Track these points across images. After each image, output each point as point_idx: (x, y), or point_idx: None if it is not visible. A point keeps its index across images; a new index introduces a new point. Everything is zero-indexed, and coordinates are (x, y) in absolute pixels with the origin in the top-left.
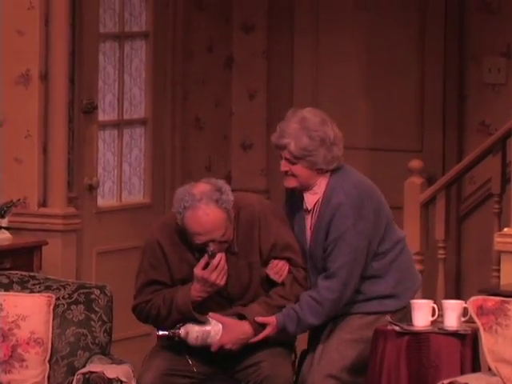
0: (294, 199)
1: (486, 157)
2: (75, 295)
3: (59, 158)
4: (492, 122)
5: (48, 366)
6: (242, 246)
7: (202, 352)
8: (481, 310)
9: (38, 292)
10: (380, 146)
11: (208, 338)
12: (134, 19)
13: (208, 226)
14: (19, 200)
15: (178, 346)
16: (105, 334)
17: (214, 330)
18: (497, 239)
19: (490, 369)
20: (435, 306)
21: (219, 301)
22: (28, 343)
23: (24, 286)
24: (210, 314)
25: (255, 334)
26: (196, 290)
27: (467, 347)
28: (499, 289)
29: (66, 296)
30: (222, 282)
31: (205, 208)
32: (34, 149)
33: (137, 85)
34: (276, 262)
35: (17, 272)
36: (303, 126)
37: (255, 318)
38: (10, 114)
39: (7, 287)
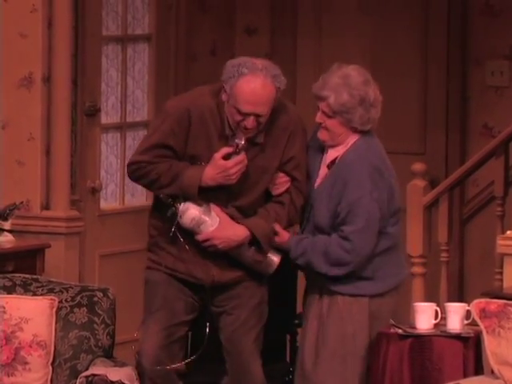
0: (317, 142)
1: (488, 159)
2: (78, 298)
3: (62, 161)
4: (495, 124)
5: (51, 368)
6: (268, 143)
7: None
8: (484, 313)
9: (41, 295)
10: None
11: (202, 225)
12: (137, 22)
13: (261, 97)
14: (22, 203)
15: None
16: (107, 337)
17: (211, 220)
18: (500, 242)
19: (492, 371)
20: (438, 308)
21: (219, 194)
22: (31, 346)
23: (27, 288)
24: (212, 204)
25: (248, 243)
26: (207, 176)
27: (470, 350)
28: (502, 291)
29: (69, 299)
30: (236, 179)
31: (264, 79)
32: (37, 151)
33: (140, 87)
34: (281, 175)
35: (20, 275)
36: (345, 82)
37: (274, 225)
38: (12, 116)
39: (10, 290)
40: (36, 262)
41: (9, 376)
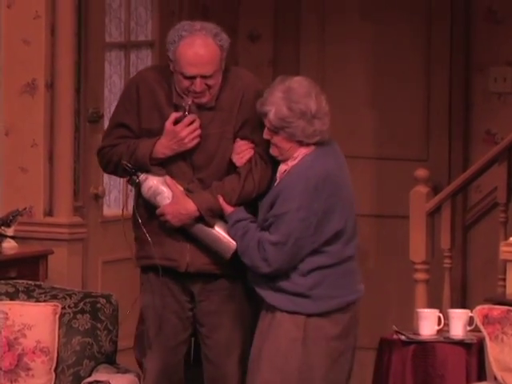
0: None
1: (491, 166)
2: (81, 304)
3: (65, 167)
4: (498, 131)
5: (54, 375)
6: (221, 107)
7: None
8: (487, 319)
9: (44, 301)
10: (386, 155)
11: (158, 196)
12: (140, 28)
13: (203, 56)
14: (25, 209)
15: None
16: (110, 343)
17: (168, 192)
18: (502, 248)
19: (495, 378)
20: (441, 315)
21: (183, 167)
22: (34, 352)
23: (30, 295)
24: (167, 177)
25: (199, 216)
26: (161, 145)
27: (473, 356)
28: (505, 298)
29: (72, 305)
30: (190, 143)
31: (204, 38)
32: (40, 158)
33: None
34: (242, 142)
35: (23, 281)
36: (286, 96)
37: (219, 197)
38: (15, 123)
39: (13, 296)
40: (39, 269)
41: (12, 382)
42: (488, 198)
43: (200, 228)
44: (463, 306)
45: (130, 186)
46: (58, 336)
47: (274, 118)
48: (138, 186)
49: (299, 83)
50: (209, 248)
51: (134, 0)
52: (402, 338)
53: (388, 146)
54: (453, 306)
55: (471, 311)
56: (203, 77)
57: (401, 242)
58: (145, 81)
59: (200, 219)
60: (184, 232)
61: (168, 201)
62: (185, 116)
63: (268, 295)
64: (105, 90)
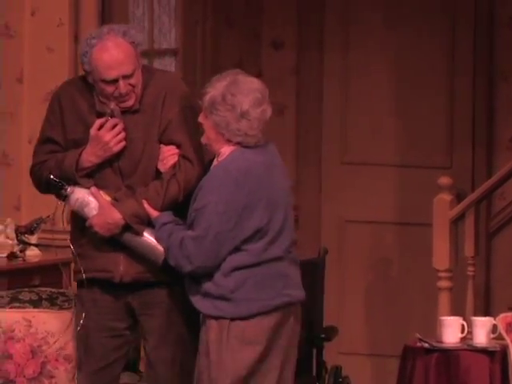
0: None
1: None
2: None
3: None
4: None
5: (77, 382)
6: (145, 110)
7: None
8: (510, 327)
9: (67, 309)
10: (409, 163)
11: (85, 208)
12: (164, 36)
13: (118, 57)
14: (48, 217)
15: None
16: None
17: (95, 203)
18: None
19: None
20: (464, 322)
21: (111, 175)
22: (57, 360)
23: (53, 302)
24: (92, 188)
25: (126, 225)
26: (87, 153)
27: (496, 364)
28: None
29: None
30: (115, 147)
31: (114, 39)
32: None
33: None
34: (166, 148)
35: (46, 289)
36: (228, 86)
37: (144, 201)
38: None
39: (36, 304)
40: (62, 276)
41: None
42: None
43: (129, 236)
44: (487, 314)
45: None
46: None
47: (208, 100)
48: (66, 200)
49: (247, 82)
50: (141, 256)
51: (158, 8)
52: (426, 345)
53: (411, 154)
54: (476, 314)
55: (494, 319)
56: (125, 77)
57: (424, 250)
58: (66, 92)
59: (128, 227)
60: (117, 242)
61: (95, 212)
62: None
63: (197, 301)
64: None
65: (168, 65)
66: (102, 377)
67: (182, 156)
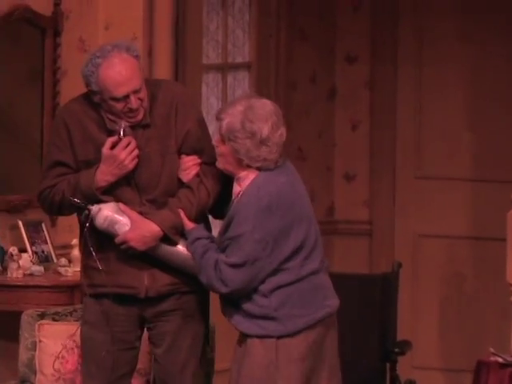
0: None
1: None
2: None
3: None
4: None
5: None
6: (157, 123)
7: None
8: None
9: None
10: (483, 177)
11: (116, 225)
12: (237, 50)
13: (126, 73)
14: None
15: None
16: (206, 365)
17: (125, 219)
18: None
19: None
20: None
21: (128, 192)
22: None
23: None
24: (120, 204)
25: (163, 236)
26: (102, 173)
27: None
28: None
29: None
30: (130, 164)
31: (119, 55)
32: None
33: None
34: (187, 159)
35: None
36: (244, 112)
37: (180, 211)
38: None
39: None
40: None
41: None
42: None
43: (165, 248)
44: None
45: None
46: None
47: (225, 128)
48: (90, 219)
49: (262, 105)
50: (176, 267)
51: (232, 22)
52: (500, 360)
53: (485, 168)
54: None
55: None
56: (135, 92)
57: (498, 264)
58: (71, 114)
59: (163, 239)
60: (140, 258)
61: (127, 227)
62: (120, 139)
63: (239, 323)
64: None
65: (241, 79)
66: None
67: (205, 163)
